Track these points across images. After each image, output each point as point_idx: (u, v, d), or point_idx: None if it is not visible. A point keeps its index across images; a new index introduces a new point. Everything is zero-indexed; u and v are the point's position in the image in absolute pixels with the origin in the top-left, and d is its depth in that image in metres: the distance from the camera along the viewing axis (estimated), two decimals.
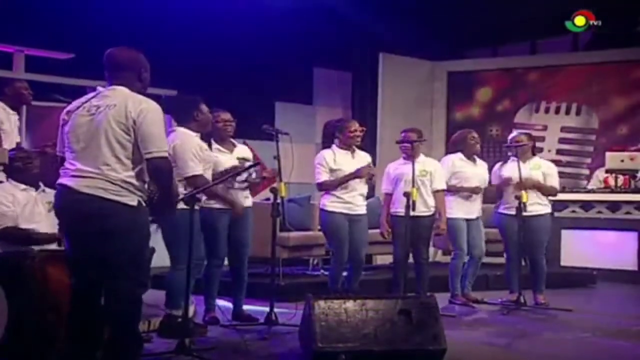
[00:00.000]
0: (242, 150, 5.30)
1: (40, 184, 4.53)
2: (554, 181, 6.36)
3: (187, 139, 4.69)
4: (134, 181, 3.35)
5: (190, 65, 8.18)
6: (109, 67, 3.50)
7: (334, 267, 5.59)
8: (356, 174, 5.49)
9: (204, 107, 4.88)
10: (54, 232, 4.29)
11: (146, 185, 3.44)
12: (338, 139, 5.60)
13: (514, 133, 6.62)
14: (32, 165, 4.48)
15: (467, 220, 6.22)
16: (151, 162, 3.35)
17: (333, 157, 5.53)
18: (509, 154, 6.38)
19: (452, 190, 6.17)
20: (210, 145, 4.99)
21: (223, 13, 8.28)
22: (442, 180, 6.01)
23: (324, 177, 5.51)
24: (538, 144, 6.78)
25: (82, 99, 3.50)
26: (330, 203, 5.51)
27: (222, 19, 8.31)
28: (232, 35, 8.39)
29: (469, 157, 6.30)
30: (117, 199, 3.32)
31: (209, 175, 4.78)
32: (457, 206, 6.19)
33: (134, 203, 3.35)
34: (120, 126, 3.33)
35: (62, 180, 3.41)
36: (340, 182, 5.49)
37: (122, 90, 3.43)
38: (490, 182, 6.38)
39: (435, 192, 5.95)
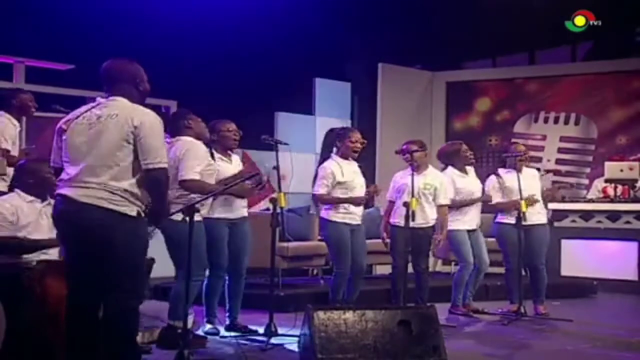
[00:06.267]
0: (236, 162, 5.28)
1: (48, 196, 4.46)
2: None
3: (197, 145, 4.72)
4: (134, 190, 3.35)
5: (191, 76, 8.20)
6: (106, 80, 3.52)
7: (337, 277, 5.53)
8: (353, 202, 5.45)
9: (194, 116, 4.87)
10: (50, 239, 4.27)
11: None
12: (337, 147, 5.54)
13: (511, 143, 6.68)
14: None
15: (468, 231, 6.22)
16: (151, 173, 3.36)
17: (340, 169, 5.45)
18: (507, 165, 6.37)
19: (464, 205, 6.15)
20: (212, 155, 4.97)
21: (223, 24, 8.31)
22: (446, 195, 6.00)
23: (323, 190, 5.46)
24: (538, 154, 6.80)
25: (82, 109, 3.50)
26: (335, 213, 5.46)
27: (222, 29, 8.34)
28: (233, 46, 8.42)
29: (461, 170, 6.31)
30: (118, 209, 3.32)
31: (212, 181, 4.76)
32: (459, 218, 6.18)
33: (134, 213, 3.35)
34: (122, 135, 3.33)
35: (62, 191, 3.40)
36: (338, 202, 5.45)
37: (123, 101, 3.45)
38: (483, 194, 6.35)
39: (439, 207, 5.95)
